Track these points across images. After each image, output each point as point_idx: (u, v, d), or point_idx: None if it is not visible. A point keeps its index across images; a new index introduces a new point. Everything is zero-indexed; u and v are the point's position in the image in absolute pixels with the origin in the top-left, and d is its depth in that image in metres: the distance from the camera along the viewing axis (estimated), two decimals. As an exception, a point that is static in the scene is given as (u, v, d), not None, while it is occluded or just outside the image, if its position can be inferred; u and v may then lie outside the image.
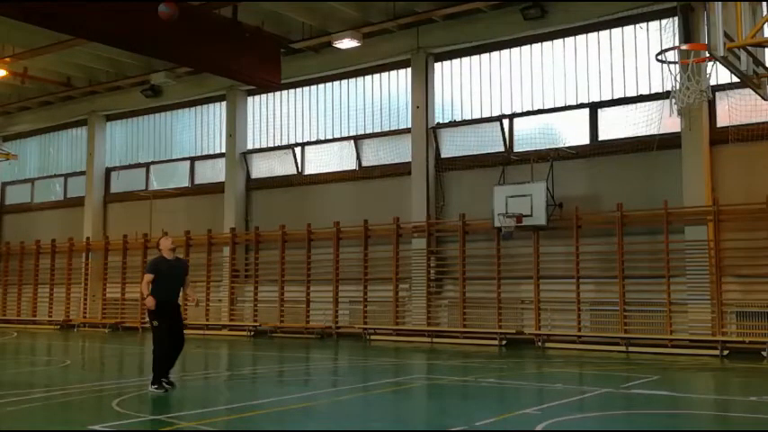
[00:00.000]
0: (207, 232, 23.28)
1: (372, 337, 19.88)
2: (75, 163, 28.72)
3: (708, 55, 10.32)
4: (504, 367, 13.84)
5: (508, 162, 18.86)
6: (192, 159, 25.34)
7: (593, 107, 18.21)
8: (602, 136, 18.05)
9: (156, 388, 9.84)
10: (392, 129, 21.19)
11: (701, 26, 15.45)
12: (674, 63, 12.63)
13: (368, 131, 21.65)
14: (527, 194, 17.42)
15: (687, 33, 15.87)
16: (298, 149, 22.86)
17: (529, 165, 18.17)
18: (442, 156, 20.17)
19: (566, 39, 18.67)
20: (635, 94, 17.66)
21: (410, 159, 20.30)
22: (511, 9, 18.67)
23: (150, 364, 10.19)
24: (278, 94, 23.41)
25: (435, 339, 18.91)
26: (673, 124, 16.46)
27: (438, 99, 20.43)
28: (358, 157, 21.63)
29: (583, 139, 18.29)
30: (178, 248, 23.19)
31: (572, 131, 18.49)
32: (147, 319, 10.36)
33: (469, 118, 20.02)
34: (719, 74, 13.23)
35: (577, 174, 18.08)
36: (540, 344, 17.44)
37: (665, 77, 15.93)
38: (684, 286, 16.36)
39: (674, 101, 12.17)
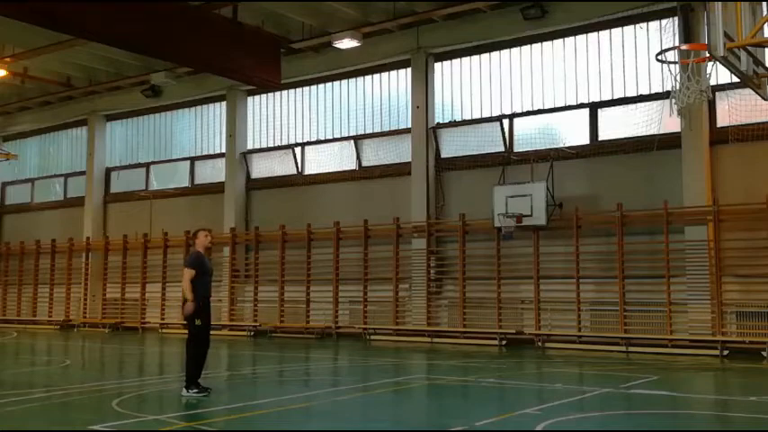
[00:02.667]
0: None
1: (372, 337, 19.88)
2: (75, 163, 28.72)
3: (708, 55, 10.32)
4: (504, 367, 13.84)
5: (508, 162, 18.86)
6: (192, 159, 25.34)
7: (593, 107, 18.21)
8: (602, 136, 18.05)
9: (196, 392, 9.44)
10: (392, 129, 21.19)
11: (701, 26, 15.45)
12: (674, 63, 12.63)
13: (368, 131, 21.65)
14: (527, 194, 17.43)
15: (687, 33, 15.87)
16: (298, 149, 22.86)
17: (529, 165, 18.18)
18: (442, 156, 20.17)
19: (566, 39, 18.67)
20: (635, 94, 17.66)
21: (410, 159, 20.30)
22: (511, 9, 18.66)
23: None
24: (278, 94, 23.42)
25: (435, 339, 18.91)
26: (673, 124, 16.45)
27: (438, 99, 20.43)
28: (358, 157, 21.63)
29: (583, 139, 18.29)
30: (178, 249, 23.44)
31: (572, 131, 18.49)
32: (186, 318, 9.89)
33: (469, 118, 20.02)
34: (719, 74, 13.22)
35: (577, 174, 18.08)
36: (540, 344, 17.44)
37: (665, 77, 15.96)
38: (684, 286, 16.36)
39: (673, 101, 12.17)
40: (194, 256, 10.15)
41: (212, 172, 24.75)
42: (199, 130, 25.46)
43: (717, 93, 15.98)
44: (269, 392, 10.82)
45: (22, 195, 30.25)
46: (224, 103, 24.24)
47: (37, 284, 27.54)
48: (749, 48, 10.33)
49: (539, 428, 7.47)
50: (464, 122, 20.07)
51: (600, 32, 18.20)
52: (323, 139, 22.55)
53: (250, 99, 24.13)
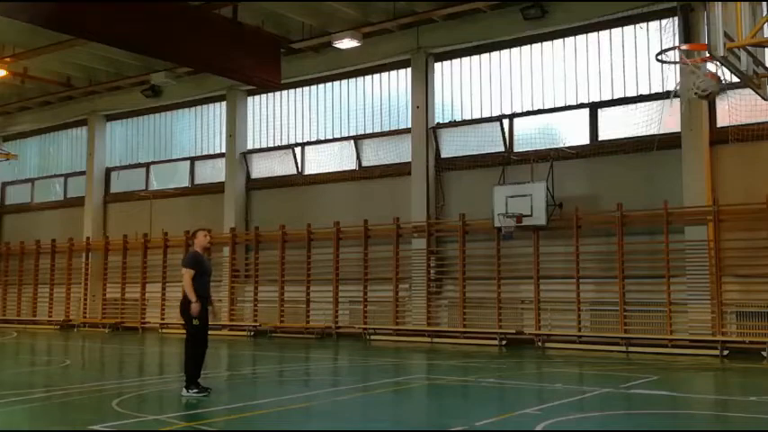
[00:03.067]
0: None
1: (372, 337, 19.88)
2: (75, 163, 28.72)
3: (708, 55, 10.33)
4: (504, 367, 13.84)
5: (508, 162, 18.86)
6: (192, 159, 25.34)
7: (593, 107, 18.21)
8: (602, 136, 18.05)
9: (196, 392, 9.43)
10: (392, 129, 21.19)
11: (701, 26, 15.45)
12: (675, 63, 12.62)
13: (368, 131, 21.65)
14: (527, 194, 17.43)
15: (687, 33, 15.87)
16: (298, 149, 22.86)
17: (529, 165, 18.17)
18: (442, 156, 20.17)
19: (566, 39, 18.66)
20: (635, 94, 17.66)
21: (410, 159, 20.30)
22: (511, 9, 18.67)
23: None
24: (278, 94, 23.42)
25: (435, 339, 18.91)
26: (673, 124, 16.46)
27: (438, 99, 20.43)
28: (358, 157, 21.63)
29: (583, 139, 18.29)
30: (178, 249, 23.43)
31: (572, 131, 18.48)
32: (184, 318, 9.87)
33: (469, 118, 20.02)
34: (719, 74, 13.20)
35: (577, 174, 18.08)
36: (540, 344, 17.44)
37: (665, 77, 15.96)
38: (684, 286, 16.36)
39: (677, 90, 12.01)
40: (192, 256, 10.14)
41: (212, 172, 24.76)
42: (199, 130, 25.46)
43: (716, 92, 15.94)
44: (269, 392, 10.83)
45: (22, 195, 30.25)
46: (224, 103, 24.24)
47: (37, 284, 27.54)
48: (749, 48, 10.33)
49: (539, 428, 7.47)
50: (464, 122, 20.07)
51: (600, 32, 18.20)
52: (323, 139, 22.55)
53: (250, 99, 24.13)
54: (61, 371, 13.66)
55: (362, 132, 21.71)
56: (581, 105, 18.39)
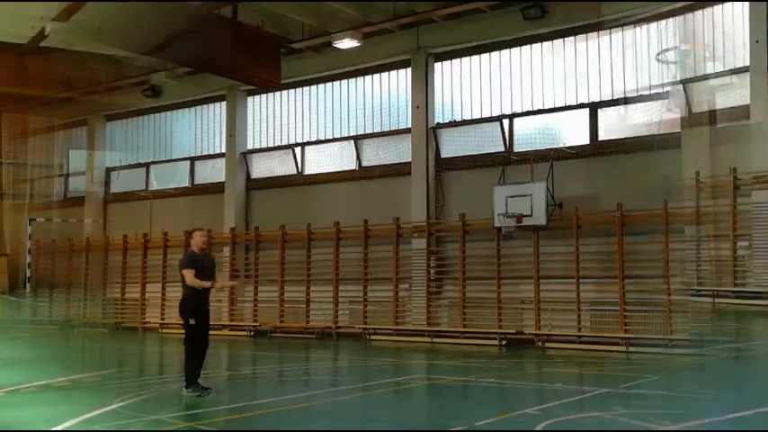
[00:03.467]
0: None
1: (372, 337, 19.88)
2: (74, 163, 28.71)
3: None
4: (504, 367, 13.85)
5: (508, 162, 18.86)
6: (192, 159, 25.36)
7: (593, 107, 18.22)
8: (602, 136, 18.06)
9: (192, 391, 9.46)
10: (392, 129, 21.20)
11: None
12: (675, 63, 12.63)
13: (368, 131, 21.66)
14: (527, 194, 17.43)
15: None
16: (298, 149, 22.87)
17: (529, 165, 18.17)
18: (442, 156, 20.18)
19: (566, 39, 18.67)
20: (635, 95, 17.66)
21: (410, 159, 20.31)
22: (511, 9, 18.66)
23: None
24: (278, 94, 23.42)
25: (435, 339, 18.91)
26: (673, 124, 16.44)
27: (438, 99, 20.44)
28: (358, 157, 21.64)
29: (583, 139, 18.30)
30: (178, 249, 23.42)
31: (572, 131, 18.49)
32: (183, 318, 9.84)
33: (469, 118, 20.03)
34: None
35: (577, 174, 18.08)
36: (540, 344, 17.44)
37: (665, 77, 15.95)
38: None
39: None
40: (189, 256, 10.13)
41: (212, 172, 24.78)
42: (199, 130, 25.47)
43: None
44: (269, 392, 10.83)
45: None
46: (224, 103, 24.25)
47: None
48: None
49: (539, 428, 7.48)
50: (464, 122, 20.08)
51: (600, 32, 18.20)
52: (323, 139, 22.55)
53: (250, 99, 24.14)
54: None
55: (362, 132, 21.72)
56: (581, 105, 18.39)
